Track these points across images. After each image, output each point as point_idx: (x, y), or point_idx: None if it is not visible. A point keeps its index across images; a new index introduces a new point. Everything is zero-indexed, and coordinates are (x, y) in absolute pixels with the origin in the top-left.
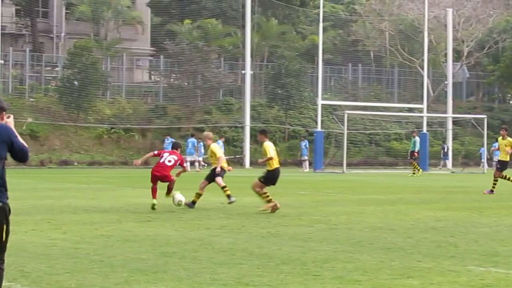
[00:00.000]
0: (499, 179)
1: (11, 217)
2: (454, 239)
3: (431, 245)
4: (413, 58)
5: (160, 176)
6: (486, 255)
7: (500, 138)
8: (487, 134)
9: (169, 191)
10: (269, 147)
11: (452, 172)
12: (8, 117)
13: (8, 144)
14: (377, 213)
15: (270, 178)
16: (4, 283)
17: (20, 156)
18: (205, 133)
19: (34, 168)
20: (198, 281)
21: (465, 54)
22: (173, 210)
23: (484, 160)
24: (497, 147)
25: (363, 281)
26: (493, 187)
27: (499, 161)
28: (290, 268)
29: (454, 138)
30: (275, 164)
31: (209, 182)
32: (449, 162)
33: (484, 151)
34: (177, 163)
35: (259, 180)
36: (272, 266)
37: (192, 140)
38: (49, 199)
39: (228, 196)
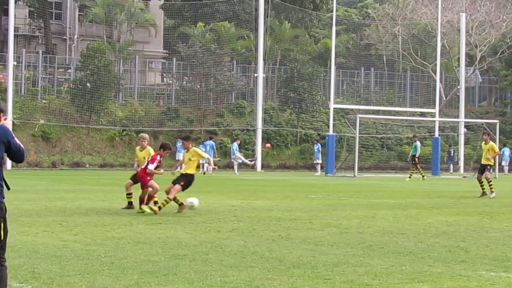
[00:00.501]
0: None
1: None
2: (465, 243)
3: (442, 249)
4: (425, 63)
5: (137, 176)
6: (497, 260)
7: (483, 143)
8: (499, 139)
9: (140, 202)
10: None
11: (464, 177)
12: (5, 118)
13: (6, 145)
14: (388, 217)
15: (190, 182)
16: (15, 284)
17: (17, 157)
18: (142, 134)
19: (45, 170)
20: (209, 283)
21: (478, 58)
22: (184, 213)
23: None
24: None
25: (373, 285)
26: (483, 189)
27: (481, 165)
28: (301, 272)
29: (466, 143)
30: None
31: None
32: (458, 166)
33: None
34: (148, 163)
35: (180, 184)
36: (283, 270)
37: (210, 142)
38: (60, 201)
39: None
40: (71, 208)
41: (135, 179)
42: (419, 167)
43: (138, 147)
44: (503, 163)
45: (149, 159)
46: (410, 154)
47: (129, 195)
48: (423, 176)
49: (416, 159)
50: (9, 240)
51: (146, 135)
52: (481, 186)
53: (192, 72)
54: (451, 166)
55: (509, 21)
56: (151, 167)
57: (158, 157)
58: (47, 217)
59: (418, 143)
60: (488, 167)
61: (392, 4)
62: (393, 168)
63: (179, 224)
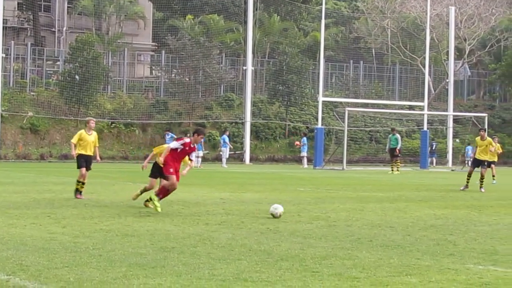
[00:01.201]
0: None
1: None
2: (453, 237)
3: (430, 243)
4: (414, 56)
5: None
6: (485, 253)
7: (478, 139)
8: (488, 132)
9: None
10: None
11: (452, 170)
12: None
13: None
14: (377, 210)
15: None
16: (3, 276)
17: None
18: (91, 118)
19: (34, 162)
20: (197, 276)
21: (467, 52)
22: (172, 206)
23: (469, 158)
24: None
25: (361, 278)
26: (468, 182)
27: (476, 159)
28: (289, 265)
29: (454, 136)
30: None
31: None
32: (447, 160)
33: (470, 149)
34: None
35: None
36: (271, 262)
37: None
38: (49, 193)
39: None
40: (60, 200)
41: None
42: (398, 160)
43: (84, 131)
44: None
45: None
46: (389, 147)
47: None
48: (397, 169)
49: (398, 152)
50: None
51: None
52: (468, 179)
53: (181, 64)
54: (433, 160)
55: (498, 15)
56: (173, 145)
57: (186, 140)
58: (36, 209)
59: (398, 136)
60: (485, 163)
61: None
62: (382, 161)
63: (167, 217)
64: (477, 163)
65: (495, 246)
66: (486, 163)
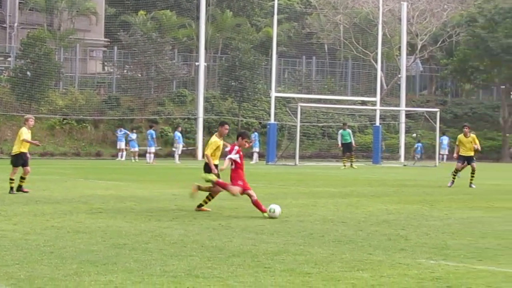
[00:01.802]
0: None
1: None
2: (405, 232)
3: (382, 238)
4: (367, 51)
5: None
6: (437, 248)
7: (462, 136)
8: (440, 127)
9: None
10: None
11: (404, 165)
12: None
13: None
14: (329, 205)
15: None
16: None
17: None
18: (30, 115)
19: None
20: (149, 272)
21: (419, 47)
22: (124, 202)
23: (419, 155)
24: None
25: (313, 274)
26: (454, 179)
27: (462, 156)
28: (241, 260)
29: (407, 132)
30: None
31: None
32: (399, 155)
33: (420, 146)
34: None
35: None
36: (223, 258)
37: (151, 131)
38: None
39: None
40: (10, 197)
41: None
42: (352, 156)
43: (25, 128)
44: (442, 151)
45: (227, 149)
46: (342, 142)
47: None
48: (351, 164)
49: (353, 146)
50: None
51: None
52: (454, 176)
53: (133, 60)
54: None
55: (450, 10)
56: (234, 156)
57: (236, 147)
58: None
59: (350, 131)
60: (474, 158)
61: None
62: (334, 156)
63: (119, 213)
64: (464, 159)
65: (446, 240)
66: (474, 158)
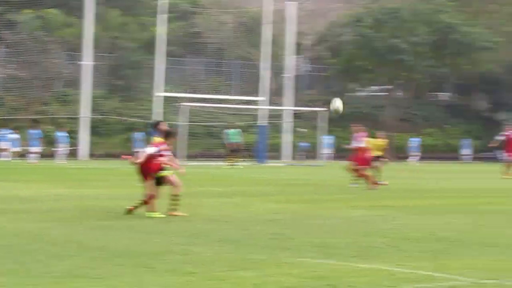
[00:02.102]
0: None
1: None
2: (289, 231)
3: (267, 237)
4: (253, 51)
5: None
6: (319, 247)
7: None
8: (325, 126)
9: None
10: None
11: (291, 165)
12: None
13: None
14: (214, 205)
15: None
16: None
17: None
18: None
19: None
20: (29, 274)
21: (306, 47)
22: (6, 202)
23: (303, 153)
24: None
25: (197, 273)
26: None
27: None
28: (124, 261)
29: (293, 131)
30: None
31: None
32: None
33: (304, 145)
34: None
35: None
36: (106, 258)
37: (34, 131)
38: None
39: None
40: None
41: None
42: (237, 155)
43: None
44: (327, 151)
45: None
46: (230, 142)
47: None
48: (233, 164)
49: (240, 147)
50: None
51: None
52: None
53: (18, 59)
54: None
55: (337, 11)
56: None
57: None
58: None
59: (236, 130)
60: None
61: None
62: (219, 156)
63: (1, 214)
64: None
65: (330, 239)
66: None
